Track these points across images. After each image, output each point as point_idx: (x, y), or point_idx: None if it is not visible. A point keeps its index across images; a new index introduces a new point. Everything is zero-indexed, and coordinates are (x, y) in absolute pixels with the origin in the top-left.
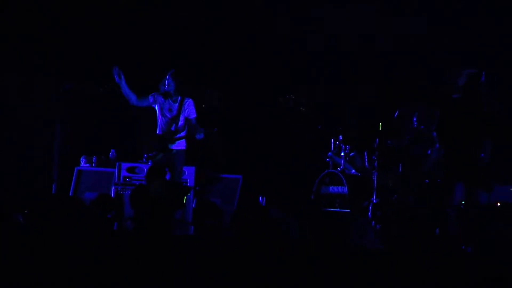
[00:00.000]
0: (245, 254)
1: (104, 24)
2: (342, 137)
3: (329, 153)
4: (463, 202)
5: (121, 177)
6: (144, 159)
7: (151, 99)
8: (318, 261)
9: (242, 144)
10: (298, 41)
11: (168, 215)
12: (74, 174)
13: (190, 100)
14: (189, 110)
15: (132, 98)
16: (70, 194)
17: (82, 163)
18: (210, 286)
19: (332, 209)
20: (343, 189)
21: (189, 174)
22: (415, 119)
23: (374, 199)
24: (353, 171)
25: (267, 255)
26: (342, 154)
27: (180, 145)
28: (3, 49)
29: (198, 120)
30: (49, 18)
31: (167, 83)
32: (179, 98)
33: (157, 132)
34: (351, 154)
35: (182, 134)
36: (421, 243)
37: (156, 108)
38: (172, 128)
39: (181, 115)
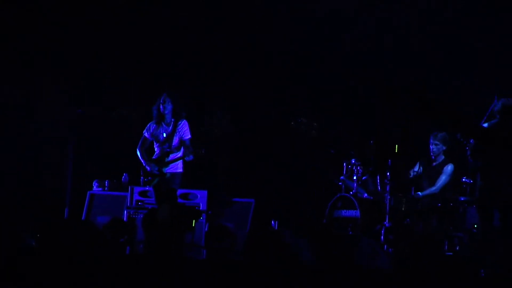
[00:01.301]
0: (258, 278)
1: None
2: (354, 160)
3: (342, 177)
4: (475, 225)
5: (134, 201)
6: (141, 184)
7: (147, 135)
8: (330, 284)
9: (254, 168)
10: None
11: (177, 238)
12: (87, 198)
13: (185, 121)
14: (184, 131)
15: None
16: (82, 218)
17: (95, 187)
18: None
19: (344, 232)
20: (356, 212)
21: (201, 197)
22: (431, 141)
23: (386, 223)
24: (366, 194)
25: (280, 279)
26: (355, 177)
27: (175, 168)
28: (16, 71)
29: (192, 142)
30: (62, 40)
31: (162, 106)
32: (173, 120)
33: (153, 157)
34: (363, 177)
35: (176, 155)
36: (432, 265)
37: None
38: (165, 147)
39: (175, 136)
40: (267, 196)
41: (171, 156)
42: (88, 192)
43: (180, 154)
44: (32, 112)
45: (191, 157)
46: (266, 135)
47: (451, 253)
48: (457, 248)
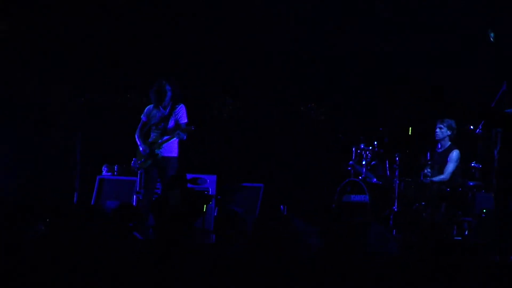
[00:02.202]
0: (266, 263)
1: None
2: (363, 145)
3: (351, 162)
4: (484, 210)
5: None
6: (136, 169)
7: (144, 119)
8: (339, 270)
9: (263, 153)
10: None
11: (188, 224)
12: (96, 182)
13: (182, 105)
14: (181, 114)
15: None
16: (92, 202)
17: (104, 172)
18: None
19: (353, 217)
20: (365, 197)
21: (210, 182)
22: (438, 124)
23: (395, 208)
24: (375, 179)
25: (289, 264)
26: (364, 162)
27: (169, 151)
28: (25, 59)
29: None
30: (67, 29)
31: (161, 90)
32: (170, 103)
33: (148, 140)
34: (372, 162)
35: (168, 137)
36: (440, 251)
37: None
38: (160, 127)
39: (171, 119)
40: (276, 181)
41: (164, 138)
42: (97, 177)
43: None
44: (41, 99)
45: (182, 135)
46: (276, 119)
47: (460, 238)
48: (466, 233)
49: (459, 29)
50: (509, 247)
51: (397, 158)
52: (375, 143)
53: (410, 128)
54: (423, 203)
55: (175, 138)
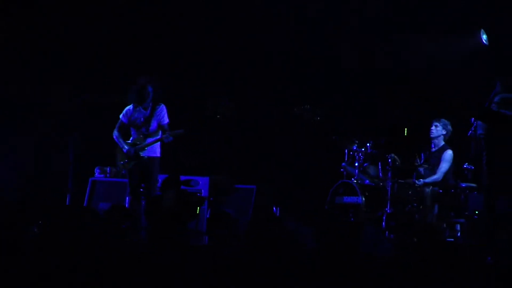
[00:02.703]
0: (260, 264)
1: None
2: (356, 147)
3: (343, 164)
4: (476, 212)
5: None
6: (117, 168)
7: (124, 119)
8: (332, 270)
9: (256, 154)
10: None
11: (181, 225)
12: (89, 184)
13: (163, 105)
14: (162, 115)
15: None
16: (84, 204)
17: (96, 174)
18: None
19: (346, 219)
20: (357, 199)
21: (203, 184)
22: (433, 123)
23: (388, 209)
24: (367, 181)
25: (282, 265)
26: (356, 164)
27: (152, 152)
28: (19, 59)
29: (170, 126)
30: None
31: (143, 91)
32: (151, 104)
33: (129, 141)
34: (364, 164)
35: (154, 139)
36: (433, 252)
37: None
38: (143, 130)
39: (153, 120)
40: (269, 182)
41: (148, 140)
42: (90, 179)
43: (158, 137)
44: (33, 102)
45: (170, 138)
46: (269, 121)
47: (452, 239)
48: (459, 235)
49: (458, 29)
50: (501, 248)
51: (389, 160)
52: (368, 144)
53: (406, 129)
54: (415, 204)
55: (157, 138)
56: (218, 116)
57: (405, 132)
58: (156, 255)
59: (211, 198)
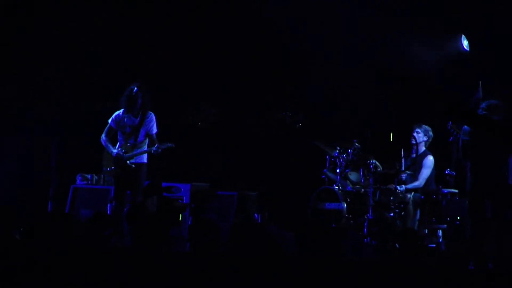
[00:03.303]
0: (241, 270)
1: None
2: (337, 153)
3: (325, 170)
4: (458, 217)
5: None
6: (103, 174)
7: (113, 124)
8: (314, 276)
9: (237, 161)
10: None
11: (163, 231)
12: (70, 192)
13: (152, 114)
14: (151, 124)
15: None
16: (66, 211)
17: (78, 181)
18: None
19: (328, 225)
20: (339, 205)
21: (184, 191)
22: (414, 129)
23: (369, 215)
24: (349, 187)
25: (263, 271)
26: (338, 170)
27: (140, 158)
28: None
29: (158, 136)
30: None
31: (132, 97)
32: (140, 112)
33: (116, 147)
34: (346, 170)
35: (142, 149)
36: (415, 257)
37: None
38: (131, 141)
39: (141, 129)
40: (250, 188)
41: (136, 151)
42: (71, 186)
43: (145, 147)
44: (16, 108)
45: (159, 151)
46: (250, 128)
47: (434, 245)
48: (440, 241)
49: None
50: (483, 254)
51: (371, 166)
52: (349, 151)
53: (391, 134)
54: (397, 210)
55: (145, 148)
56: (199, 123)
57: (391, 137)
58: (139, 262)
59: (193, 205)
